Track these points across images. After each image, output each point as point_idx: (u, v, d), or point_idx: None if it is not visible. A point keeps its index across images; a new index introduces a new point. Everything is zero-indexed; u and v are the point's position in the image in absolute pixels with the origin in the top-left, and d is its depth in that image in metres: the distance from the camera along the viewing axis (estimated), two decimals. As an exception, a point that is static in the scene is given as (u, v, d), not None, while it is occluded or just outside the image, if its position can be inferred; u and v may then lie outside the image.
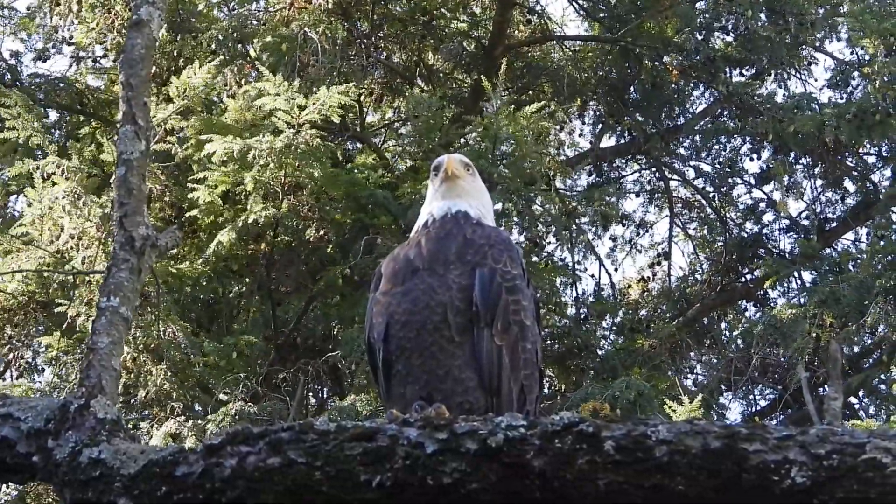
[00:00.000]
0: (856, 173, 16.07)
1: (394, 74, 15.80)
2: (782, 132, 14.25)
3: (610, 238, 17.39)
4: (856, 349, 14.81)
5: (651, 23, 15.48)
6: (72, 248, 11.89)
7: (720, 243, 17.02)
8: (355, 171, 12.96)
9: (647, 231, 17.95)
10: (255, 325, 13.31)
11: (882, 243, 14.02)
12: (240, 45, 14.03)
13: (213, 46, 13.68)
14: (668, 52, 15.62)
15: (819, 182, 16.27)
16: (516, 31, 16.14)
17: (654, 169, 17.81)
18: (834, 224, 16.23)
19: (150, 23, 5.37)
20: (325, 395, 14.70)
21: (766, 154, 16.22)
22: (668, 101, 16.35)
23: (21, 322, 12.47)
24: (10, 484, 10.71)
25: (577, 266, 15.95)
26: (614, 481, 3.44)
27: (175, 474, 3.82)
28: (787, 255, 15.65)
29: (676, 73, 15.52)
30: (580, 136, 17.18)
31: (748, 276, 16.60)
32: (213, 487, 3.75)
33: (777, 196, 16.42)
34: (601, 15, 16.19)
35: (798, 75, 15.92)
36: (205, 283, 12.80)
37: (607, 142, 17.40)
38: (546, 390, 13.61)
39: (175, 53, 13.88)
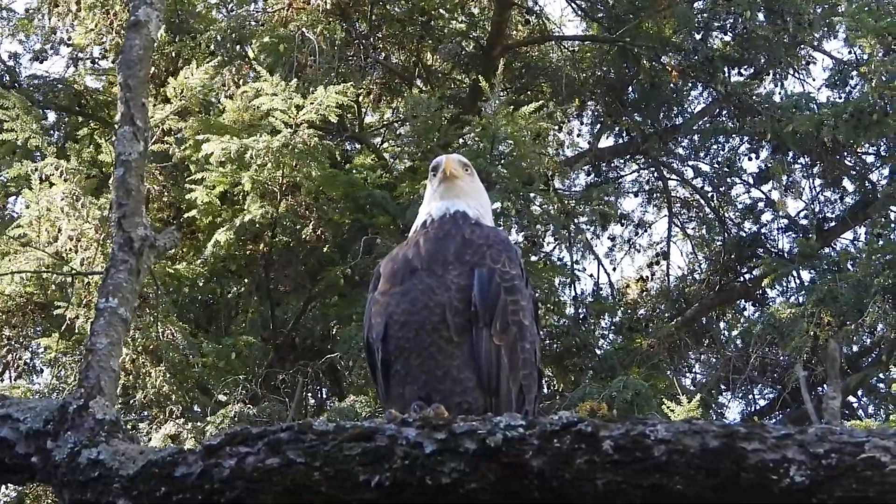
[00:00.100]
0: (854, 172, 16.07)
1: (392, 75, 15.81)
2: (781, 132, 14.24)
3: (609, 238, 17.42)
4: (854, 348, 14.82)
5: (649, 23, 15.49)
6: (70, 249, 11.88)
7: (719, 243, 17.03)
8: (353, 171, 12.95)
9: (645, 231, 17.98)
10: (253, 325, 13.30)
11: (881, 242, 14.02)
12: (238, 46, 14.03)
13: (212, 47, 13.69)
14: (667, 52, 15.63)
15: (818, 181, 16.28)
16: (514, 32, 16.14)
17: (652, 169, 17.81)
18: (833, 223, 16.23)
19: (149, 24, 5.38)
20: (324, 396, 14.71)
21: (764, 154, 16.25)
22: (666, 101, 16.36)
23: (19, 324, 12.45)
24: (9, 485, 10.70)
25: (575, 266, 15.98)
26: (613, 481, 3.45)
27: (174, 475, 3.83)
28: (785, 255, 15.65)
29: (675, 72, 15.52)
30: (578, 136, 17.22)
31: (747, 276, 16.60)
32: (212, 488, 3.76)
33: (776, 195, 16.43)
34: (599, 15, 16.20)
35: (796, 75, 15.94)
36: (202, 284, 12.79)
37: (606, 142, 17.43)
38: (545, 390, 13.61)
39: (173, 54, 13.89)
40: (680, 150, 17.15)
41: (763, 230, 16.54)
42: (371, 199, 12.51)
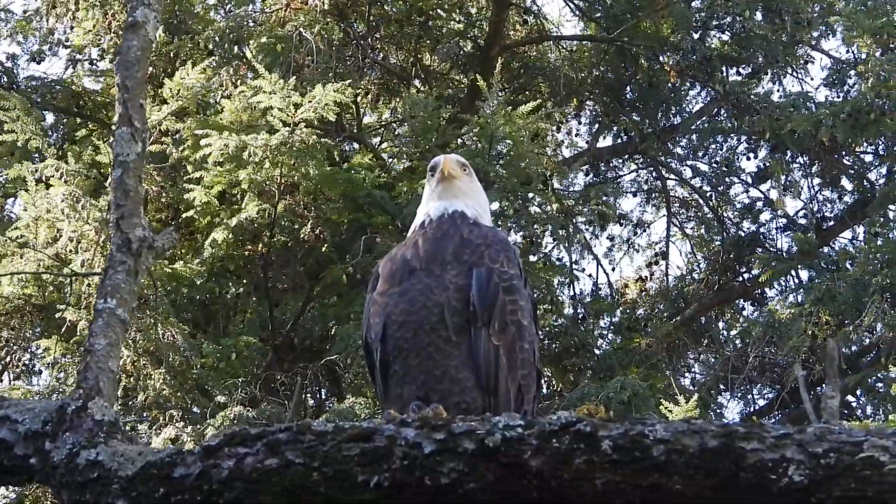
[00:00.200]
0: (852, 172, 16.07)
1: (390, 75, 15.81)
2: (779, 131, 14.25)
3: (607, 238, 17.43)
4: (854, 348, 14.81)
5: (647, 22, 15.48)
6: (71, 251, 11.88)
7: (717, 242, 17.03)
8: (352, 171, 12.95)
9: (644, 230, 17.97)
10: (251, 326, 13.29)
11: (879, 241, 14.02)
12: (236, 47, 14.03)
13: (210, 47, 13.68)
14: (665, 52, 15.63)
15: (816, 181, 16.29)
16: (512, 32, 16.14)
17: (651, 168, 17.81)
18: (831, 223, 16.24)
19: (146, 24, 5.37)
20: (323, 397, 14.71)
21: (762, 153, 16.28)
22: (664, 101, 16.37)
23: (17, 325, 12.45)
24: (8, 486, 10.70)
25: (574, 266, 15.98)
26: (612, 481, 3.45)
27: (173, 476, 3.82)
28: (784, 254, 15.65)
29: (673, 72, 15.52)
30: (577, 135, 17.22)
31: (745, 276, 16.60)
32: (210, 489, 3.76)
33: (774, 195, 16.45)
34: (597, 15, 16.20)
35: (794, 74, 15.94)
36: (200, 283, 12.76)
37: (604, 142, 17.44)
38: (544, 390, 13.61)
39: (171, 55, 13.88)
40: (678, 150, 17.16)
41: (762, 229, 16.55)
42: (369, 199, 12.51)
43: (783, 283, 15.89)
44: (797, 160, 16.07)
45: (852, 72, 14.97)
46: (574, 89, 15.96)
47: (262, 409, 11.86)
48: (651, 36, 15.51)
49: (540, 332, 9.58)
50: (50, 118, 14.71)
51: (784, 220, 16.35)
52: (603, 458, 3.46)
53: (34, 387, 12.80)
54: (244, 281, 13.21)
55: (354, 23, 14.98)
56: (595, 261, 16.88)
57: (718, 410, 15.58)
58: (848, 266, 13.97)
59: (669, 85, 15.99)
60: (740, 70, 15.90)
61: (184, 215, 12.57)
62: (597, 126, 17.30)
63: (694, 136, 16.71)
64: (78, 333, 11.62)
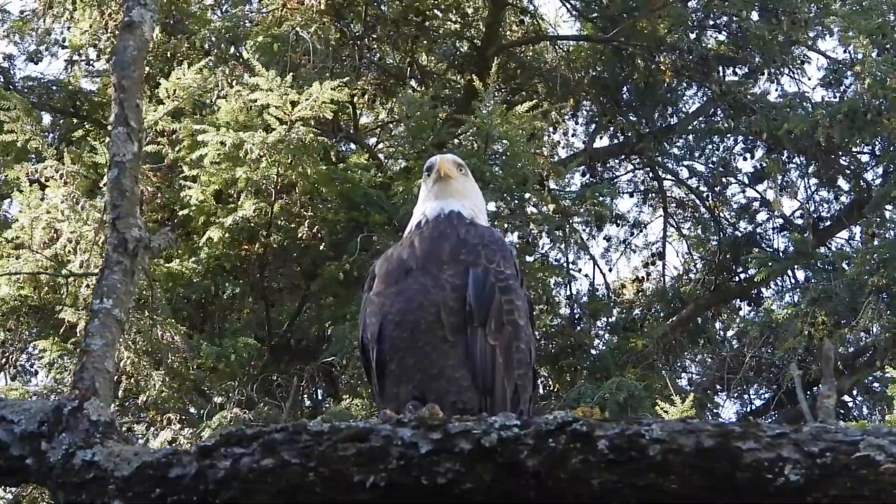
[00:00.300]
0: (849, 172, 16.09)
1: (387, 75, 15.80)
2: (776, 131, 14.26)
3: (604, 238, 17.43)
4: (851, 349, 14.81)
5: (644, 22, 15.47)
6: (69, 251, 11.86)
7: (714, 243, 17.03)
8: (348, 171, 12.94)
9: (641, 231, 17.97)
10: (247, 326, 13.28)
11: (875, 242, 14.03)
12: (232, 47, 14.02)
13: (207, 47, 13.68)
14: (661, 52, 15.62)
15: (813, 181, 16.30)
16: (509, 32, 16.15)
17: (647, 169, 17.81)
18: (828, 223, 16.26)
19: (143, 24, 5.37)
20: (319, 397, 14.70)
21: (759, 153, 16.29)
22: (661, 101, 16.38)
23: (14, 326, 12.43)
24: (5, 487, 10.70)
25: (571, 266, 15.98)
26: (608, 481, 3.44)
27: (169, 476, 3.82)
28: (780, 254, 15.65)
29: (669, 72, 15.52)
30: (573, 136, 17.22)
31: (742, 276, 16.61)
32: (206, 489, 3.75)
33: (771, 195, 16.46)
34: (594, 15, 16.19)
35: (791, 74, 15.93)
36: (196, 282, 12.74)
37: (600, 142, 17.44)
38: (540, 391, 13.62)
39: (168, 55, 13.87)
40: (675, 150, 17.16)
41: (758, 230, 16.57)
42: (366, 198, 12.50)
43: (779, 284, 15.92)
44: (794, 160, 16.09)
45: (849, 72, 14.98)
46: (570, 89, 15.94)
47: (259, 410, 11.85)
48: (647, 36, 15.49)
49: (536, 333, 9.59)
50: (46, 119, 14.71)
51: (780, 221, 16.38)
52: (599, 457, 3.45)
53: (32, 387, 12.79)
54: (240, 281, 13.20)
55: (351, 23, 14.97)
56: (592, 261, 16.90)
57: (715, 411, 15.59)
58: (845, 266, 13.97)
59: (666, 85, 15.98)
60: (737, 70, 15.92)
61: (181, 212, 12.57)
62: (593, 126, 17.31)
63: (690, 137, 16.73)
64: (77, 334, 11.60)
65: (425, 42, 15.76)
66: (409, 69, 15.88)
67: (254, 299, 13.40)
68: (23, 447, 4.18)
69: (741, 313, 16.93)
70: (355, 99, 14.56)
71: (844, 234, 16.36)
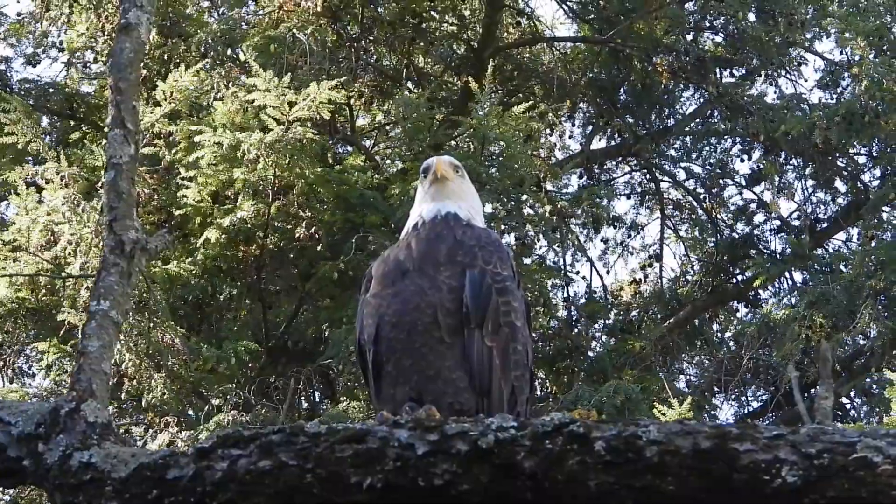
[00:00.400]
0: (846, 173, 16.08)
1: (384, 77, 15.80)
2: (773, 133, 14.26)
3: (601, 240, 17.42)
4: (848, 350, 14.81)
5: (640, 24, 15.46)
6: (70, 254, 11.85)
7: (711, 244, 17.02)
8: (345, 172, 12.94)
9: (638, 233, 17.95)
10: (244, 327, 13.26)
11: (873, 244, 14.03)
12: (229, 49, 14.02)
13: (203, 49, 13.67)
14: (658, 53, 15.61)
15: (810, 182, 16.30)
16: (506, 34, 16.15)
17: (644, 170, 17.80)
18: (825, 224, 16.26)
19: (139, 26, 5.36)
20: (316, 399, 14.69)
21: (756, 155, 16.27)
22: (657, 103, 16.38)
23: (11, 329, 12.42)
24: (2, 488, 10.68)
25: (569, 269, 15.97)
26: (605, 482, 3.44)
27: (166, 477, 3.82)
28: (778, 256, 15.65)
29: (666, 74, 15.51)
30: (570, 137, 17.22)
31: (739, 277, 16.61)
32: (203, 490, 3.75)
33: (768, 197, 16.46)
34: (590, 16, 16.19)
35: (788, 76, 15.92)
36: (193, 283, 12.73)
37: (597, 143, 17.44)
38: (538, 392, 13.62)
39: (165, 57, 13.86)
40: (672, 152, 17.15)
41: (755, 231, 16.56)
42: (361, 199, 12.50)
43: (777, 286, 15.92)
44: (790, 162, 16.08)
45: (846, 74, 14.98)
46: (567, 91, 15.95)
47: (256, 412, 11.85)
48: (644, 37, 15.47)
49: (534, 335, 9.59)
50: (44, 121, 14.68)
51: (777, 222, 16.37)
52: (596, 459, 3.45)
53: (31, 389, 12.78)
54: (237, 283, 13.19)
55: (347, 24, 14.97)
56: (589, 263, 16.88)
57: (712, 412, 15.59)
58: (842, 268, 13.97)
59: (663, 86, 15.98)
60: (734, 72, 15.91)
61: (177, 213, 12.56)
62: (590, 128, 17.31)
63: (687, 138, 16.72)
64: (78, 336, 11.57)
65: (422, 44, 15.75)
66: (405, 71, 15.88)
67: (251, 301, 13.39)
68: (20, 448, 4.18)
69: (738, 315, 16.93)
70: (352, 100, 14.55)
71: (841, 235, 16.39)
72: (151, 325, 11.55)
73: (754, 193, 16.69)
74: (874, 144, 15.26)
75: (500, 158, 12.38)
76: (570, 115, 16.85)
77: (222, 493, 3.73)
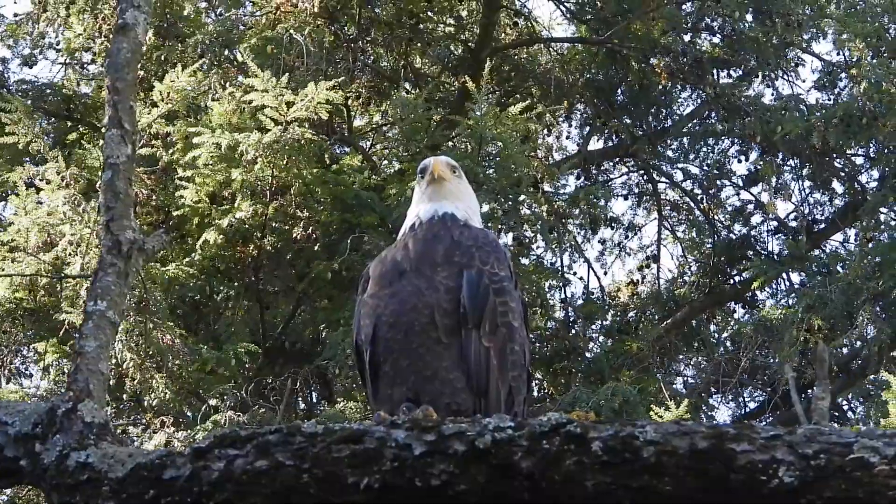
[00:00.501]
0: (843, 174, 16.07)
1: (381, 78, 15.79)
2: (770, 134, 14.25)
3: (599, 241, 17.40)
4: (845, 351, 14.80)
5: (638, 24, 15.46)
6: (70, 254, 11.84)
7: (708, 245, 17.01)
8: (342, 173, 12.93)
9: (635, 234, 17.93)
10: (242, 328, 13.24)
11: (871, 245, 14.02)
12: (226, 50, 14.01)
13: (200, 50, 13.66)
14: (655, 54, 15.60)
15: (807, 183, 16.29)
16: (503, 35, 16.13)
17: (641, 171, 17.79)
18: (822, 225, 16.25)
19: (136, 27, 5.36)
20: (313, 400, 14.68)
21: (753, 156, 16.25)
22: (655, 104, 16.37)
23: (9, 329, 12.40)
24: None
25: (566, 270, 15.95)
26: (602, 482, 3.45)
27: (163, 477, 3.82)
28: (775, 257, 15.65)
29: (663, 75, 15.50)
30: (567, 138, 17.22)
31: (737, 278, 16.60)
32: (200, 490, 3.75)
33: (765, 198, 16.45)
34: (588, 17, 16.18)
35: (785, 76, 15.92)
36: (191, 284, 12.71)
37: (595, 144, 17.43)
38: (535, 393, 13.61)
39: (162, 58, 13.85)
40: (669, 153, 17.12)
41: (753, 232, 16.55)
42: (358, 200, 12.49)
43: (774, 287, 15.92)
44: (788, 163, 16.08)
45: (843, 75, 14.97)
46: (565, 92, 15.93)
47: (253, 413, 11.84)
48: (642, 38, 15.45)
49: (531, 335, 9.58)
50: (42, 122, 14.67)
51: (775, 223, 16.36)
52: (593, 459, 3.46)
53: (29, 389, 12.77)
54: (235, 283, 13.18)
55: (345, 25, 14.96)
56: (586, 264, 16.87)
57: (710, 413, 15.59)
58: (839, 269, 13.96)
59: (660, 87, 15.98)
60: (731, 72, 15.90)
61: (175, 213, 12.55)
62: (587, 129, 17.30)
63: (685, 139, 16.69)
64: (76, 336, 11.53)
65: (419, 44, 15.75)
66: (402, 71, 15.86)
67: (248, 301, 13.38)
68: (17, 449, 4.18)
69: (736, 316, 16.92)
70: (349, 101, 14.54)
71: (839, 237, 16.38)
72: (151, 325, 11.53)
73: (752, 194, 16.68)
74: (872, 145, 15.24)
75: (498, 159, 12.37)
76: (568, 116, 16.83)
77: (219, 494, 3.73)
